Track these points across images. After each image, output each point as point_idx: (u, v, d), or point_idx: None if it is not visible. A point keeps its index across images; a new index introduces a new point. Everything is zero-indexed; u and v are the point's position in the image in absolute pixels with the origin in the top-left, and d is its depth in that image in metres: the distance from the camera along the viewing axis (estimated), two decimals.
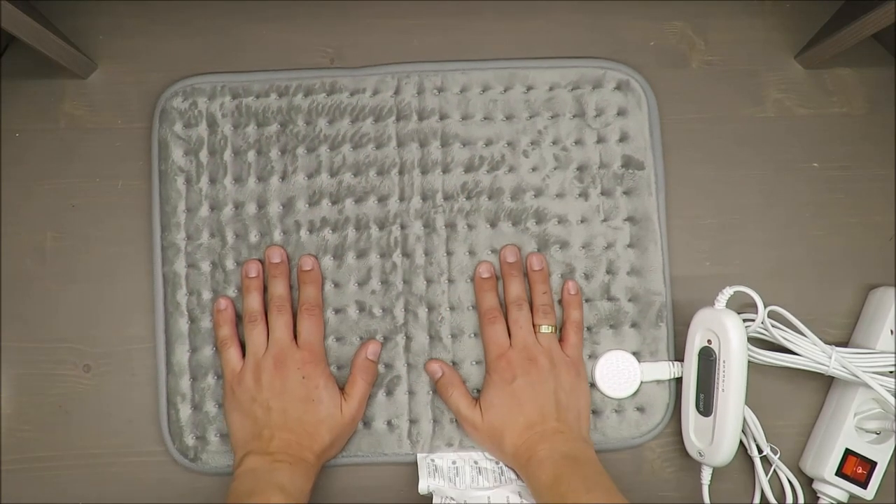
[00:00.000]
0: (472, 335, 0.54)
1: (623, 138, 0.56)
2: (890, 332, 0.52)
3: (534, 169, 0.55)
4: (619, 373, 0.54)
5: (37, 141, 0.56)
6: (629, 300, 0.55)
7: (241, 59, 0.56)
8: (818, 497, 0.53)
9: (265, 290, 0.54)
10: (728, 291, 0.50)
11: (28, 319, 0.55)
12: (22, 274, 0.55)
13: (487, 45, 0.57)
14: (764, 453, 0.53)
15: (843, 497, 0.53)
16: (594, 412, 0.54)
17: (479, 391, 0.53)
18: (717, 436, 0.50)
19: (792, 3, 0.58)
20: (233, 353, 0.52)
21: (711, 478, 0.52)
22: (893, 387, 0.50)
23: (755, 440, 0.53)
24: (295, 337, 0.52)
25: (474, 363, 0.54)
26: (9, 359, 0.54)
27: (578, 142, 0.56)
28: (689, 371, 0.52)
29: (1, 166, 0.55)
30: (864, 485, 0.52)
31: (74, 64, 0.54)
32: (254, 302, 0.53)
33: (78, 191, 0.55)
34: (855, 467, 0.52)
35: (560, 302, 0.54)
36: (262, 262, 0.54)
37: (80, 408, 0.54)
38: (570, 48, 0.57)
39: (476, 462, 0.53)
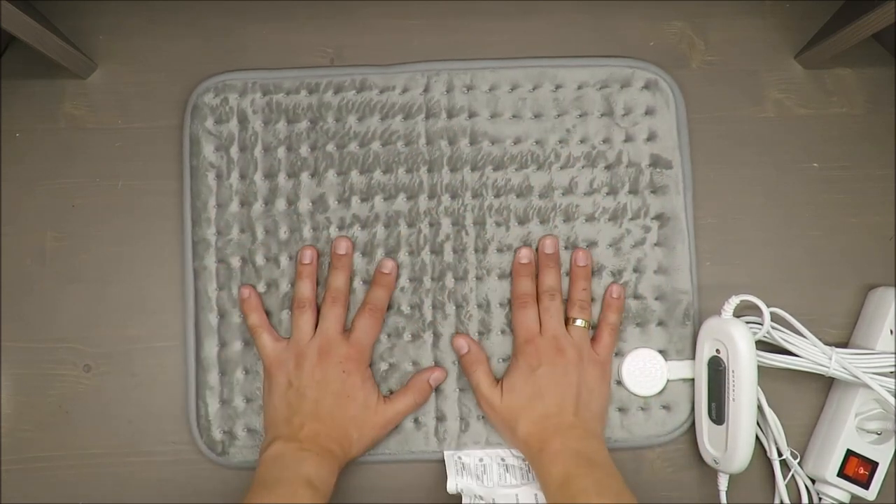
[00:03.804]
0: (500, 332, 0.54)
1: (651, 137, 0.56)
2: (890, 332, 0.52)
3: (562, 167, 0.56)
4: (646, 371, 0.54)
5: (37, 141, 0.56)
6: (656, 299, 0.55)
7: (241, 59, 0.56)
8: (820, 498, 0.53)
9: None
10: (734, 300, 0.50)
11: (28, 319, 0.55)
12: (22, 274, 0.55)
13: (487, 45, 0.57)
14: (784, 457, 0.53)
15: (845, 498, 0.52)
16: (620, 410, 0.54)
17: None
18: (731, 444, 0.50)
19: (792, 3, 0.58)
20: (266, 337, 0.52)
21: (729, 484, 0.52)
22: (894, 387, 0.50)
23: (776, 443, 0.53)
24: (346, 330, 0.53)
25: (501, 360, 0.54)
26: (9, 359, 0.54)
27: (607, 140, 0.56)
28: (700, 380, 0.52)
29: (1, 166, 0.55)
30: (865, 485, 0.52)
31: (74, 64, 0.54)
32: (305, 289, 0.53)
33: (78, 191, 0.55)
34: (857, 468, 0.52)
35: (591, 298, 0.54)
36: (318, 250, 0.54)
37: (80, 408, 0.54)
38: (570, 48, 0.57)
39: (503, 459, 0.53)
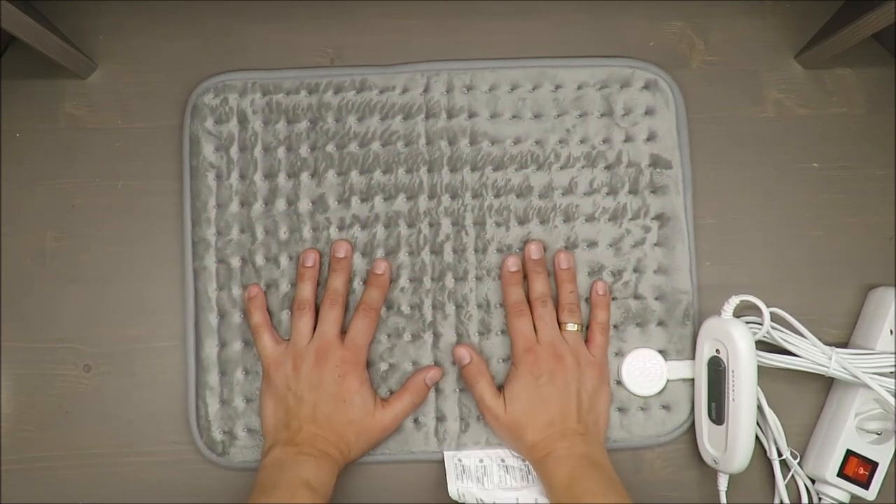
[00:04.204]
0: (500, 333, 0.54)
1: (651, 137, 0.56)
2: (890, 332, 0.52)
3: (562, 167, 0.56)
4: (646, 371, 0.54)
5: (37, 141, 0.56)
6: (656, 299, 0.55)
7: (241, 59, 0.56)
8: (820, 498, 0.53)
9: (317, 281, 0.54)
10: (734, 300, 0.50)
11: (28, 319, 0.55)
12: (22, 274, 0.55)
13: (487, 45, 0.57)
14: (783, 457, 0.53)
15: (845, 498, 0.52)
16: (620, 410, 0.54)
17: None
18: (731, 444, 0.50)
19: (792, 3, 0.58)
20: (267, 338, 0.52)
21: (728, 484, 0.52)
22: (894, 387, 0.50)
23: (776, 443, 0.53)
24: (343, 333, 0.53)
25: (501, 360, 0.54)
26: (9, 359, 0.54)
27: (606, 140, 0.56)
28: (700, 380, 0.52)
29: (1, 166, 0.55)
30: (865, 485, 0.52)
31: (74, 64, 0.54)
32: (306, 291, 0.53)
33: (78, 191, 0.55)
34: (857, 468, 0.52)
35: (587, 300, 0.54)
36: (320, 253, 0.54)
37: (80, 408, 0.54)
38: (570, 48, 0.57)
39: (503, 460, 0.53)
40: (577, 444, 0.49)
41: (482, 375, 0.53)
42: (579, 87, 0.56)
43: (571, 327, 0.52)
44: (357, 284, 0.55)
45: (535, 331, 0.52)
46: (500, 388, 0.53)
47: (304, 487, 0.47)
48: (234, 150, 0.55)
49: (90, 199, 0.55)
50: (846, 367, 0.50)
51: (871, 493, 0.52)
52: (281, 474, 0.47)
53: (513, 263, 0.54)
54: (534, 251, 0.54)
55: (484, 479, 0.52)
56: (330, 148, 0.55)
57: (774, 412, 0.53)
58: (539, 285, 0.53)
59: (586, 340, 0.53)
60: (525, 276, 0.54)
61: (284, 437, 0.50)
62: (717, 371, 0.51)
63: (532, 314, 0.53)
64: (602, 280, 0.54)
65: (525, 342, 0.52)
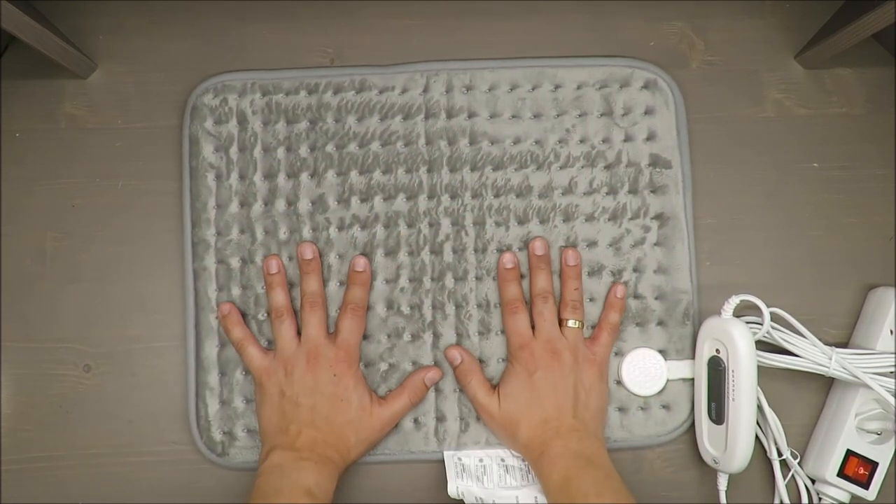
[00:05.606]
0: (499, 332, 0.54)
1: (650, 137, 0.56)
2: (890, 333, 0.52)
3: (562, 167, 0.56)
4: (646, 371, 0.54)
5: (37, 141, 0.56)
6: (656, 298, 0.55)
7: (241, 59, 0.56)
8: (820, 498, 0.53)
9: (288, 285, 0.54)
10: (734, 300, 0.50)
11: (28, 319, 0.55)
12: (22, 274, 0.55)
13: (488, 45, 0.57)
14: (784, 457, 0.53)
15: (845, 498, 0.52)
16: (620, 409, 0.54)
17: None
18: (731, 444, 0.50)
19: (792, 3, 0.58)
20: (253, 350, 0.52)
21: (728, 484, 0.52)
22: (894, 387, 0.50)
23: (776, 443, 0.53)
24: (329, 333, 0.53)
25: (501, 360, 0.54)
26: (9, 359, 0.54)
27: (606, 140, 0.56)
28: (700, 380, 0.52)
29: (1, 166, 0.56)
30: (865, 485, 0.52)
31: (74, 64, 0.54)
32: (279, 297, 0.53)
33: (78, 191, 0.56)
34: (857, 468, 0.52)
35: (591, 299, 0.54)
36: (280, 257, 0.54)
37: (80, 408, 0.54)
38: (571, 48, 0.57)
39: (503, 460, 0.53)
40: (572, 442, 0.49)
41: (473, 374, 0.53)
42: (579, 87, 0.56)
43: (573, 324, 0.52)
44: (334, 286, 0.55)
45: (534, 327, 0.52)
46: (496, 387, 0.53)
47: (304, 495, 0.46)
48: (233, 151, 0.55)
49: (90, 199, 0.56)
50: (846, 367, 0.50)
51: (871, 493, 0.52)
52: (281, 480, 0.47)
53: (508, 260, 0.53)
54: (538, 247, 0.54)
55: (484, 479, 0.52)
56: (329, 148, 0.55)
57: (774, 412, 0.53)
58: (541, 281, 0.53)
59: (592, 338, 0.53)
60: (528, 272, 0.54)
61: (283, 441, 0.50)
62: (717, 371, 0.51)
63: (532, 310, 0.53)
64: (622, 284, 0.54)
65: (520, 339, 0.52)
